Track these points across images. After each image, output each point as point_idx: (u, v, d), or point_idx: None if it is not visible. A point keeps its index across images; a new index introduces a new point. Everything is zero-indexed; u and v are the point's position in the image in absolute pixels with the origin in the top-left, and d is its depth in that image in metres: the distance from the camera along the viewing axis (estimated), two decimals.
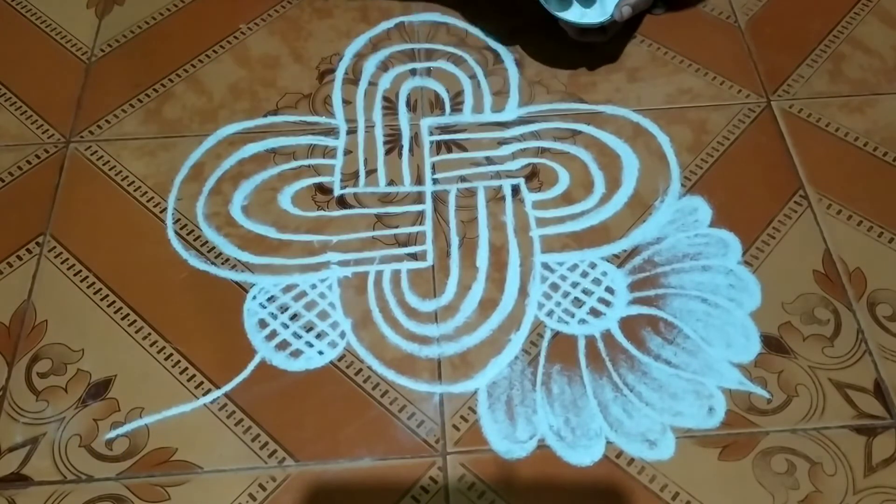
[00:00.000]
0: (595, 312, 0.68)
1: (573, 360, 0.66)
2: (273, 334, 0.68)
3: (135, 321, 0.69)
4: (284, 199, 0.76)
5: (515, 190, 0.76)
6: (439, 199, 0.75)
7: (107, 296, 0.70)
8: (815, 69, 0.84)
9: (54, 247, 0.73)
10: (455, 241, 0.73)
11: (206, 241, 0.73)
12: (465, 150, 0.79)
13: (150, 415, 0.64)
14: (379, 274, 0.71)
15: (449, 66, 0.85)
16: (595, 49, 0.84)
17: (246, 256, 0.72)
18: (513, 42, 0.87)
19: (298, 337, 0.67)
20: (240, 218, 0.75)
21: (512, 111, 0.82)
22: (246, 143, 0.80)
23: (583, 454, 0.61)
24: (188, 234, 0.74)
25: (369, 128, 0.81)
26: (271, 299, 0.70)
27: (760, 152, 0.78)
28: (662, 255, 0.71)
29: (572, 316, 0.68)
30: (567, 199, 0.75)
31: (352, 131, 0.81)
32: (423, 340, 0.67)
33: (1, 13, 0.92)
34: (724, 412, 0.63)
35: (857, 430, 0.62)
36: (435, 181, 0.77)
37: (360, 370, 0.66)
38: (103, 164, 0.79)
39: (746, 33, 0.87)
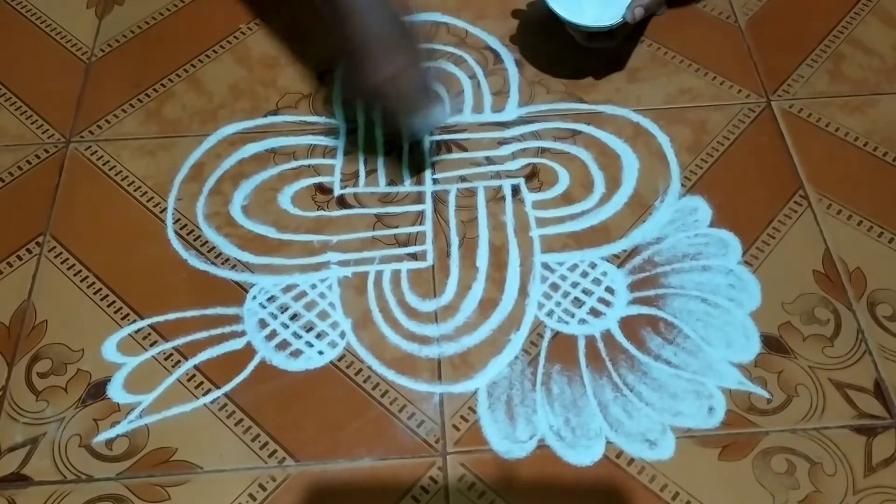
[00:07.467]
0: (595, 312, 0.68)
1: (573, 360, 0.66)
2: (273, 334, 0.68)
3: (135, 321, 0.69)
4: (284, 199, 0.76)
5: (515, 190, 0.76)
6: (439, 199, 0.75)
7: (107, 296, 0.70)
8: (815, 69, 0.84)
9: (54, 247, 0.73)
10: (455, 241, 0.73)
11: (206, 241, 0.73)
12: (465, 150, 0.79)
13: (150, 415, 0.64)
14: (379, 274, 0.71)
15: (449, 66, 0.85)
16: (602, 54, 0.83)
17: (246, 256, 0.72)
18: (513, 43, 0.87)
19: (298, 337, 0.67)
20: (240, 218, 0.75)
21: (512, 111, 0.81)
22: (246, 143, 0.80)
23: (583, 454, 0.61)
24: (188, 234, 0.74)
25: (369, 128, 0.81)
26: (271, 299, 0.70)
27: (760, 152, 0.78)
28: (662, 255, 0.71)
29: (572, 316, 0.68)
30: (567, 199, 0.75)
31: (352, 131, 0.81)
32: (423, 340, 0.67)
33: (1, 13, 0.92)
34: (724, 412, 0.63)
35: (857, 430, 0.62)
36: (435, 181, 0.77)
37: (360, 370, 0.66)
38: (103, 164, 0.79)
39: (746, 33, 0.87)
